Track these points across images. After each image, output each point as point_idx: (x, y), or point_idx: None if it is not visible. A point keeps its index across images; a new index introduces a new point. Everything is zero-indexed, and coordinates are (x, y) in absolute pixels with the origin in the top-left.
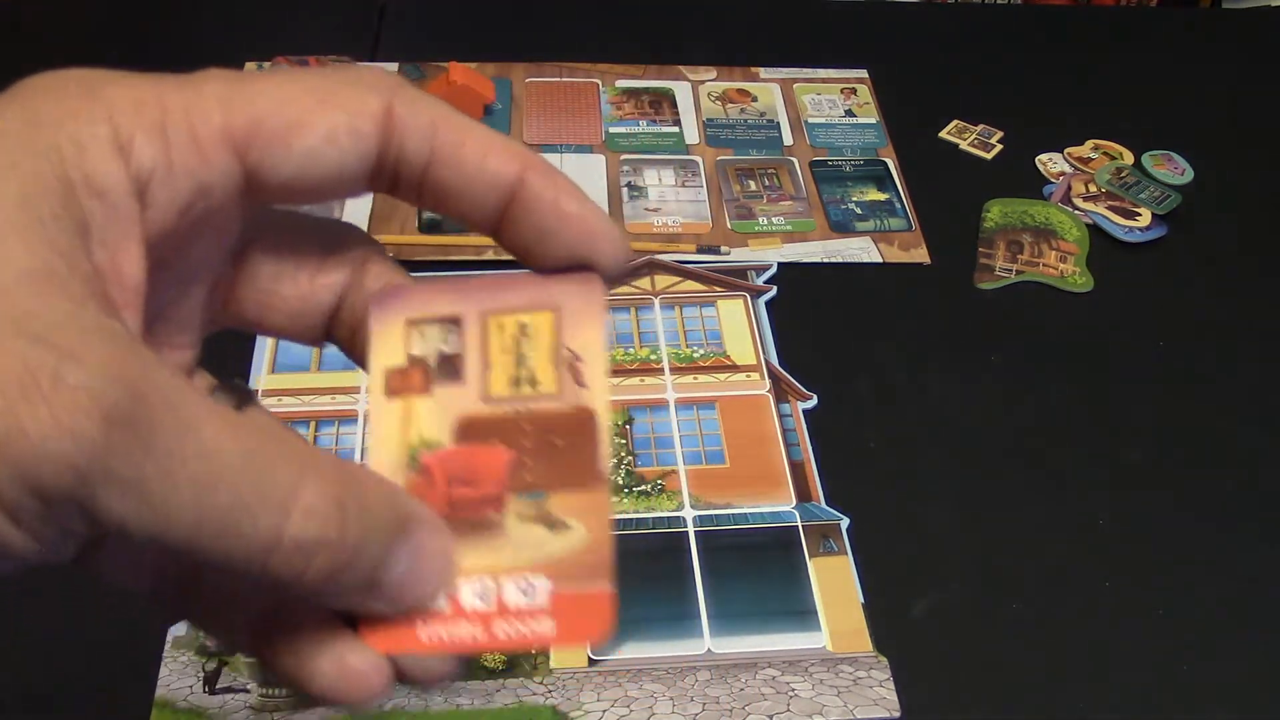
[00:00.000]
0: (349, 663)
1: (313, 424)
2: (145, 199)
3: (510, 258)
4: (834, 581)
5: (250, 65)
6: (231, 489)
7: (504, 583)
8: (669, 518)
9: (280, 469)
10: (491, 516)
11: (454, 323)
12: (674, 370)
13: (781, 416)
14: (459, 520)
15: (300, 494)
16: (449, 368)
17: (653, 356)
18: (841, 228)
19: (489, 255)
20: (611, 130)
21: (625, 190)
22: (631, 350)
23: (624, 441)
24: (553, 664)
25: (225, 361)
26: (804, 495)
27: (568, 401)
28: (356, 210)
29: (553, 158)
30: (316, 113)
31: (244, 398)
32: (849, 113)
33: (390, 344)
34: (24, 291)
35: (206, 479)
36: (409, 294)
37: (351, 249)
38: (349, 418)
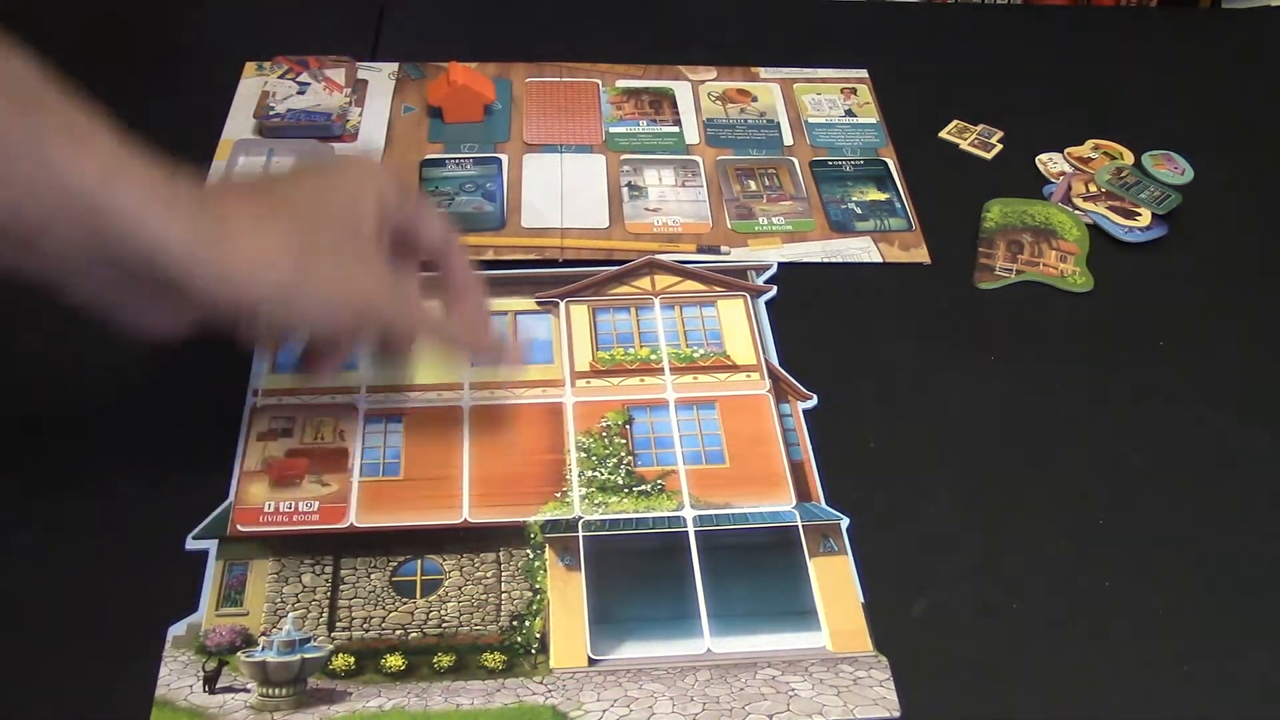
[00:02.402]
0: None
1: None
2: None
3: (511, 258)
4: (834, 581)
5: (250, 65)
6: None
7: (298, 501)
8: (669, 518)
9: None
10: (299, 479)
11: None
12: (674, 370)
13: (781, 416)
14: (288, 478)
15: None
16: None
17: (653, 356)
18: (841, 228)
19: (489, 255)
20: (611, 130)
21: (625, 190)
22: (631, 350)
23: (624, 441)
24: (553, 664)
25: (228, 363)
26: (804, 495)
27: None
28: None
29: (552, 158)
30: None
31: None
32: (849, 113)
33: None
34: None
35: None
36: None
37: None
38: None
